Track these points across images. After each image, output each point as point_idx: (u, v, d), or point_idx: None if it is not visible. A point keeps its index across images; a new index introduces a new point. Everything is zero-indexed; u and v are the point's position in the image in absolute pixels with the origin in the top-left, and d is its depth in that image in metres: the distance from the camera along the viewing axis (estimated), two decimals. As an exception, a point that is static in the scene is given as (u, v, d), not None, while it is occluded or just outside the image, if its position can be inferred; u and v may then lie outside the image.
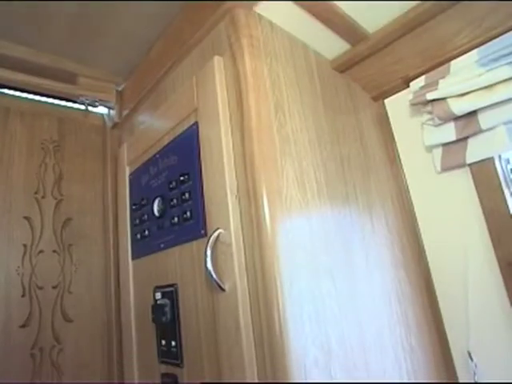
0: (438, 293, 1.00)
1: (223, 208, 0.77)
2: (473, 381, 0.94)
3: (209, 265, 0.75)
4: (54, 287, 1.19)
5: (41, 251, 1.20)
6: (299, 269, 0.73)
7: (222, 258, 0.75)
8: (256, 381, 0.69)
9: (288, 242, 0.73)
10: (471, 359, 0.95)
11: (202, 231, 0.82)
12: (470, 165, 0.93)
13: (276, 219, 0.72)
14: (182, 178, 0.91)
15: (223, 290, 0.74)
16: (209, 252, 0.76)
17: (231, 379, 0.72)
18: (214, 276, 0.75)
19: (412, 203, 1.06)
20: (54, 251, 1.22)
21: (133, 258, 1.12)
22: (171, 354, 0.91)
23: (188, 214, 0.87)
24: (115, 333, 1.19)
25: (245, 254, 0.74)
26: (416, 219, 1.05)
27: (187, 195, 0.88)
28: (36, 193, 1.23)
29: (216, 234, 0.76)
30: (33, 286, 1.16)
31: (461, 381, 0.96)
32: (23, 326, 1.13)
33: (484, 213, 0.90)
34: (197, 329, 0.83)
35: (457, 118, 0.92)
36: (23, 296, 1.14)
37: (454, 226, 0.98)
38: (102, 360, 1.20)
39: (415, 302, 0.96)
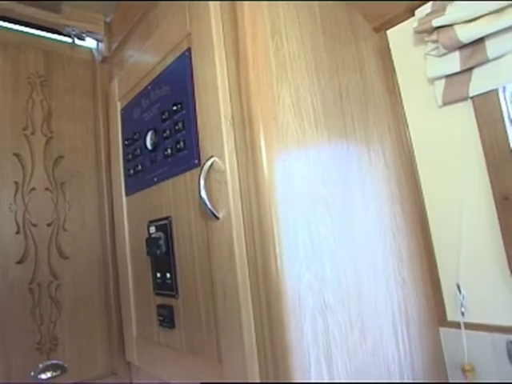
0: (431, 228, 1.01)
1: (217, 135, 0.74)
2: (460, 311, 0.97)
3: (203, 193, 0.74)
4: (48, 225, 1.19)
5: (33, 189, 1.18)
6: (295, 197, 0.72)
7: (216, 186, 0.74)
8: (250, 307, 0.70)
9: (284, 169, 0.71)
10: (459, 292, 0.97)
11: (196, 161, 0.80)
12: (472, 97, 0.90)
13: (272, 145, 0.70)
14: (174, 108, 0.88)
15: (217, 218, 0.74)
16: (202, 181, 0.74)
17: (225, 306, 0.74)
18: (208, 204, 0.74)
19: (410, 138, 1.04)
20: (47, 189, 1.20)
21: (126, 194, 1.11)
22: (166, 286, 0.92)
23: (181, 144, 0.85)
24: (111, 268, 1.20)
25: (239, 181, 0.72)
26: (414, 154, 1.03)
27: (180, 125, 0.85)
28: (25, 129, 1.19)
29: (210, 162, 0.75)
30: (27, 223, 1.16)
31: (447, 310, 0.99)
32: (20, 262, 1.13)
33: (483, 147, 0.88)
34: (191, 259, 0.84)
35: (462, 47, 0.88)
36: (18, 233, 1.14)
37: (452, 161, 0.96)
38: (99, 295, 1.22)
39: (409, 236, 0.96)
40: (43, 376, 1.12)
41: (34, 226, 1.17)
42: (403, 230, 0.95)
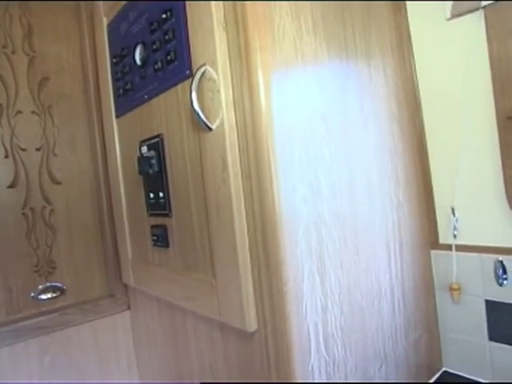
0: (429, 150, 0.99)
1: (209, 41, 0.69)
2: (452, 234, 0.98)
3: (195, 104, 0.70)
4: (37, 149, 1.16)
5: (19, 112, 1.13)
6: (290, 106, 0.69)
7: (209, 95, 0.70)
8: (244, 219, 0.69)
9: (280, 77, 0.68)
10: (453, 214, 0.97)
11: (187, 72, 0.76)
12: (484, 7, 0.84)
13: (267, 50, 0.65)
14: (164, 16, 0.81)
15: (210, 129, 0.71)
16: (194, 91, 0.70)
17: (218, 219, 0.73)
18: (201, 115, 0.70)
19: (413, 56, 0.98)
20: (33, 112, 1.16)
21: (117, 116, 1.07)
22: (159, 206, 0.91)
23: (172, 55, 0.79)
24: (104, 192, 1.19)
25: (232, 89, 0.68)
26: (416, 73, 0.98)
27: (170, 35, 0.79)
28: (4, 47, 1.12)
29: (202, 70, 0.70)
30: (15, 147, 1.13)
31: (440, 232, 1.00)
32: (11, 187, 1.12)
33: (491, 61, 0.84)
34: (184, 176, 0.82)
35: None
36: (6, 157, 1.11)
37: (456, 79, 0.92)
38: (93, 219, 1.22)
39: (406, 157, 0.94)
40: (43, 297, 1.15)
41: (23, 150, 1.14)
42: (401, 150, 0.93)
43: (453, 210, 0.97)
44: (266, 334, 0.70)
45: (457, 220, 0.97)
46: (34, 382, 1.10)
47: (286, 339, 0.67)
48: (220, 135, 0.69)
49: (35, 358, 1.10)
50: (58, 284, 1.17)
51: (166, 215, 0.89)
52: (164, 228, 0.91)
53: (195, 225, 0.81)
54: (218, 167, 0.70)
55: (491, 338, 0.95)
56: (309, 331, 0.70)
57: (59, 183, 1.18)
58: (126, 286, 1.21)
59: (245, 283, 0.69)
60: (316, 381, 0.70)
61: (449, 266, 0.99)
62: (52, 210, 1.17)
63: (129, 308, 1.23)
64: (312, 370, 0.71)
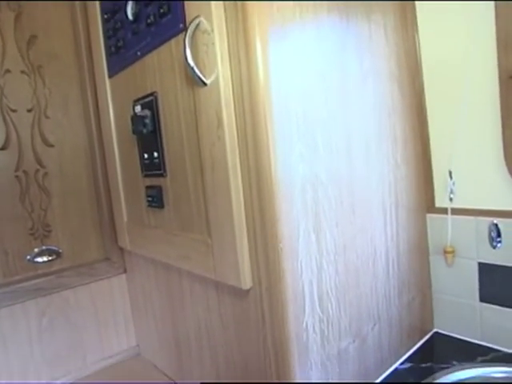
0: (428, 112, 0.98)
1: (204, -9, 0.66)
2: (448, 197, 0.97)
3: (189, 58, 0.68)
4: (28, 111, 1.13)
5: (7, 71, 1.10)
6: (288, 63, 0.67)
7: (203, 49, 0.68)
8: (239, 176, 0.68)
9: (276, 32, 0.65)
10: (450, 178, 0.97)
11: (181, 25, 0.73)
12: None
13: (263, 2, 0.62)
14: (155, -34, 0.77)
15: (205, 84, 0.69)
16: (188, 45, 0.68)
17: (213, 177, 0.72)
18: (196, 70, 0.68)
19: (415, 15, 0.95)
20: (23, 72, 1.12)
21: (109, 76, 1.04)
22: (154, 166, 0.90)
23: (165, 8, 0.76)
24: (99, 155, 1.18)
25: (228, 43, 0.66)
26: (418, 33, 0.95)
27: (162, -15, 0.76)
28: (-11, 2, 1.07)
29: (196, 21, 0.67)
30: (5, 108, 1.10)
31: (436, 196, 1.00)
32: (3, 149, 1.09)
33: (496, 18, 0.81)
34: (179, 135, 0.80)
35: None
36: (-4, 118, 1.09)
37: (459, 41, 0.89)
38: (88, 183, 1.21)
39: (405, 119, 0.93)
40: (39, 259, 1.16)
41: (14, 111, 1.11)
42: (399, 111, 0.91)
43: (450, 173, 0.97)
44: (260, 292, 0.71)
45: (453, 183, 0.97)
46: (34, 341, 1.12)
47: (280, 296, 0.67)
48: (215, 90, 0.67)
49: (33, 319, 1.12)
50: (54, 247, 1.17)
51: (161, 175, 0.88)
52: (159, 188, 0.90)
53: (190, 184, 0.80)
54: (213, 124, 0.68)
55: (482, 300, 0.97)
56: (303, 289, 0.70)
57: (52, 146, 1.16)
58: (121, 250, 1.22)
59: (240, 241, 0.69)
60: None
61: (444, 230, 0.99)
62: (46, 173, 1.15)
63: (125, 271, 1.24)
64: (306, 327, 0.72)
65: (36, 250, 1.15)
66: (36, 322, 1.12)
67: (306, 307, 0.71)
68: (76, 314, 1.17)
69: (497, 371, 0.89)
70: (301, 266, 0.69)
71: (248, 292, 0.73)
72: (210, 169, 0.72)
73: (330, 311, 0.76)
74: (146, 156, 0.93)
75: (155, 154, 0.89)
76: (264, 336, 0.72)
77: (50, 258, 1.17)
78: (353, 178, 0.79)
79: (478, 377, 0.89)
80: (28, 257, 1.14)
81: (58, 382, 1.14)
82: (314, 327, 0.73)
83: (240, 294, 0.75)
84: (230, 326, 0.81)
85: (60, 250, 1.18)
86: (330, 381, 0.76)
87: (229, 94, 0.66)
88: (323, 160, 0.73)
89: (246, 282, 0.70)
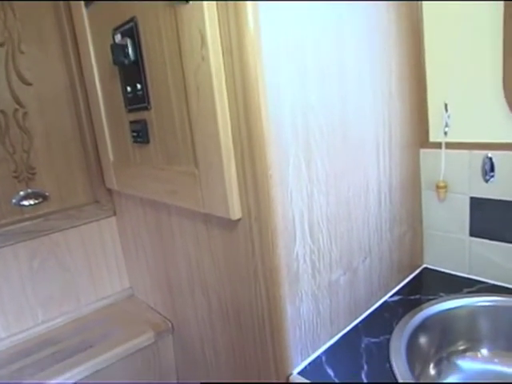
0: (426, 42, 0.93)
1: None
2: (443, 131, 0.95)
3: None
4: (0, 45, 1.05)
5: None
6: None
7: (183, -42, 0.62)
8: (225, 100, 0.65)
9: None
10: (446, 110, 0.94)
11: None
12: None
13: None
14: None
15: (186, 1, 0.63)
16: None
17: (198, 103, 0.68)
18: (176, -17, 0.62)
19: None
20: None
21: (86, 5, 0.96)
22: (138, 99, 0.86)
23: None
24: (80, 93, 1.12)
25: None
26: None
27: None
28: None
29: None
30: (-27, 42, 1.02)
31: (431, 131, 0.97)
32: (-23, 87, 1.04)
33: None
34: (161, 61, 0.76)
35: None
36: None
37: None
38: (71, 123, 1.16)
39: (401, 48, 0.88)
40: (25, 203, 1.13)
41: (-17, 45, 1.04)
42: (395, 38, 0.86)
43: (446, 105, 0.93)
44: (250, 222, 0.69)
45: (449, 116, 0.94)
46: (26, 283, 1.12)
47: (270, 226, 0.66)
48: (198, 7, 0.61)
49: (24, 261, 1.11)
50: (40, 190, 1.14)
51: (145, 108, 0.84)
52: (143, 122, 0.86)
53: (175, 114, 0.76)
54: (197, 43, 0.63)
55: (472, 234, 0.97)
56: (294, 218, 0.69)
57: (30, 84, 1.10)
58: (110, 192, 1.20)
59: (228, 169, 0.66)
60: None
61: (437, 164, 0.97)
62: (25, 113, 1.10)
63: (114, 214, 1.22)
64: (297, 257, 0.71)
65: (21, 193, 1.12)
66: (27, 264, 1.12)
67: (297, 237, 0.70)
68: (67, 257, 1.17)
69: (482, 300, 0.91)
70: (291, 195, 0.68)
71: (237, 223, 0.72)
72: (194, 94, 0.68)
73: (321, 242, 0.76)
74: (128, 89, 0.88)
75: (138, 86, 0.84)
76: (254, 267, 0.72)
77: (37, 202, 1.14)
78: (345, 107, 0.76)
79: (464, 306, 0.91)
80: (13, 200, 1.11)
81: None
82: (304, 258, 0.73)
83: (229, 225, 0.74)
84: (220, 260, 0.81)
85: (46, 193, 1.15)
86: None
87: (213, 11, 0.61)
88: (314, 85, 0.69)
89: (235, 213, 0.69)
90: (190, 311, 0.98)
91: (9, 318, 1.10)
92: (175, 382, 1.15)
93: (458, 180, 0.96)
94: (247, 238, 0.71)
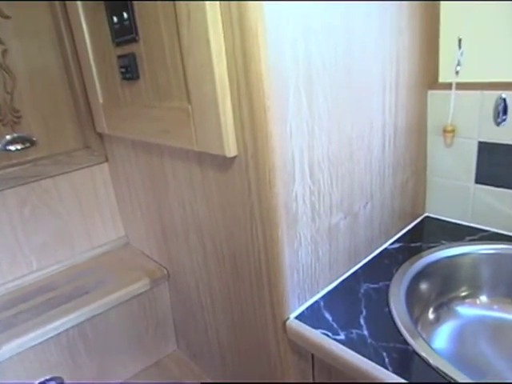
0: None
1: None
2: (454, 70, 0.88)
3: None
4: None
5: None
6: None
7: None
8: (219, 26, 0.58)
9: None
10: (459, 47, 0.87)
11: None
12: None
13: None
14: None
15: None
16: None
17: (189, 29, 0.62)
18: None
19: None
20: None
21: None
22: (125, 30, 0.79)
23: None
24: (64, 29, 1.04)
25: None
26: None
27: None
28: None
29: None
30: None
31: (441, 70, 0.91)
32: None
33: None
34: None
35: None
36: None
37: None
38: (57, 63, 1.09)
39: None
40: (11, 148, 1.08)
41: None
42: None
43: (459, 40, 0.86)
44: (246, 160, 0.65)
45: (462, 53, 0.87)
46: (18, 231, 1.09)
47: (268, 162, 0.62)
48: None
49: (15, 208, 1.08)
50: (27, 135, 1.09)
51: (133, 40, 0.77)
52: (132, 56, 0.79)
53: (165, 44, 0.69)
54: (186, -45, 0.56)
55: (478, 181, 0.93)
56: (293, 156, 0.64)
57: (8, 17, 1.01)
58: (101, 137, 1.14)
59: (222, 101, 0.61)
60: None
61: (445, 107, 0.92)
62: (5, 50, 1.02)
63: (106, 160, 1.17)
64: (296, 197, 0.67)
65: (8, 137, 1.07)
66: (17, 211, 1.08)
67: (296, 177, 0.66)
68: (59, 205, 1.14)
69: (484, 248, 0.89)
70: (290, 131, 0.63)
71: (233, 161, 0.67)
72: (185, 20, 0.61)
73: (322, 184, 0.72)
74: (115, 19, 0.80)
75: (125, 15, 0.77)
76: (251, 207, 0.68)
77: (24, 146, 1.09)
78: (350, 36, 0.69)
79: (466, 254, 0.89)
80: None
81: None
82: (304, 199, 0.69)
83: (224, 164, 0.69)
84: (215, 202, 0.77)
85: (34, 138, 1.10)
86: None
87: None
88: (317, 6, 0.62)
89: (230, 149, 0.64)
90: (186, 257, 0.96)
91: (2, 265, 1.09)
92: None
93: (467, 124, 0.90)
94: (243, 177, 0.67)
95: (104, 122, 1.02)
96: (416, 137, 0.94)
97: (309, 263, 0.73)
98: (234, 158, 0.66)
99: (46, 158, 1.10)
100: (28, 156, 1.10)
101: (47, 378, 0.98)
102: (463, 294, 0.89)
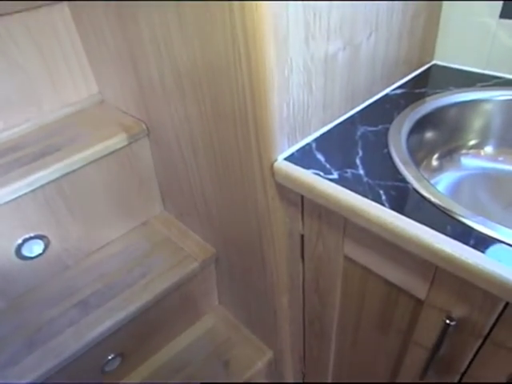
0: None
1: None
2: None
3: None
4: None
5: None
6: None
7: None
8: None
9: None
10: None
11: None
12: None
13: None
14: None
15: None
16: None
17: None
18: None
19: None
20: None
21: None
22: None
23: None
24: None
25: None
26: None
27: None
28: None
29: None
30: None
31: None
32: None
33: None
34: None
35: None
36: None
37: None
38: None
39: None
40: None
41: None
42: None
43: None
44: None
45: None
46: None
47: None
48: None
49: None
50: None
51: None
52: None
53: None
54: None
55: (503, 15, 0.80)
56: None
57: None
58: None
59: None
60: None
61: None
62: None
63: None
64: (286, 13, 0.55)
65: None
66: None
67: (288, -22, 0.52)
68: (16, 53, 0.98)
69: (497, 94, 0.80)
70: None
71: None
72: None
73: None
74: None
75: None
76: (232, 27, 0.56)
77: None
78: None
79: (475, 100, 0.81)
80: None
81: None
82: (296, 15, 0.56)
83: None
84: (193, 31, 0.64)
85: None
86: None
87: None
88: None
89: None
90: (164, 108, 0.85)
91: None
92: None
93: None
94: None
95: None
96: None
97: (301, 97, 0.64)
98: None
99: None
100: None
101: (31, 235, 0.95)
102: (469, 143, 0.83)
